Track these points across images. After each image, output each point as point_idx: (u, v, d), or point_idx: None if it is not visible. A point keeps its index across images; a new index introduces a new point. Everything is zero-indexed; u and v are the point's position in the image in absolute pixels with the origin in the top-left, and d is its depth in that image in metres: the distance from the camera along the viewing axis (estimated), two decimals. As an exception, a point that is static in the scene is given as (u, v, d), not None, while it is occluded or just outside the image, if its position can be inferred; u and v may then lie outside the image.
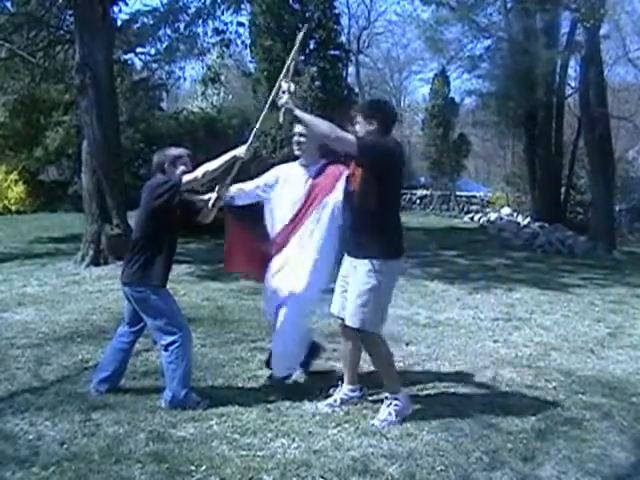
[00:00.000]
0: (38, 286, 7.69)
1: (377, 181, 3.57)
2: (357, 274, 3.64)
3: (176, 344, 3.72)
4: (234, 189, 4.08)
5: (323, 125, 3.53)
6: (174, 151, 3.92)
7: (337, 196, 3.91)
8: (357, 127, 3.72)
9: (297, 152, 4.07)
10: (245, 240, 4.20)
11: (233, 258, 4.26)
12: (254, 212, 4.16)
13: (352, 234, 3.77)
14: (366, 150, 3.52)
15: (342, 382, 3.94)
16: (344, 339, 3.90)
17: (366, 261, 3.59)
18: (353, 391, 3.89)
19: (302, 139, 4.00)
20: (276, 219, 4.09)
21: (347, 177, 3.83)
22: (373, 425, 3.58)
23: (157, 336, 3.81)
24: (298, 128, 4.01)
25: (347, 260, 3.80)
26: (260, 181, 4.19)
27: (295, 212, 4.00)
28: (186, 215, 3.96)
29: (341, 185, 3.92)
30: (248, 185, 4.17)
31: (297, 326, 4.07)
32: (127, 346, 4.02)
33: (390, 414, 3.62)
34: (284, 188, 4.08)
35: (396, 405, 3.65)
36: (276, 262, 4.07)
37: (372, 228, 3.62)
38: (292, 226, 4.02)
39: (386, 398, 3.71)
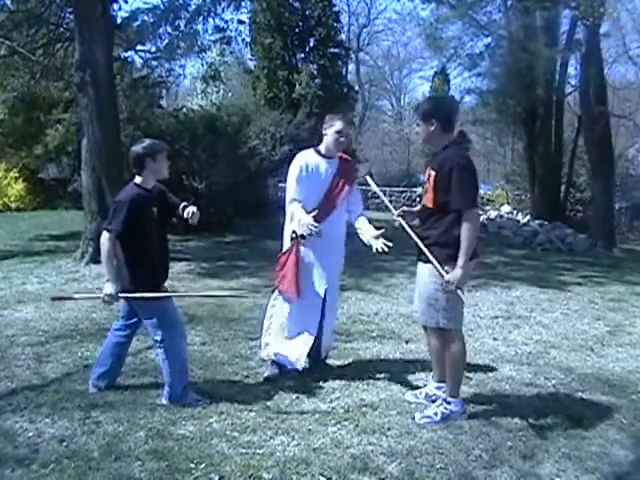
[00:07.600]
0: (38, 284, 7.68)
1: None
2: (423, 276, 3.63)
3: (168, 340, 3.72)
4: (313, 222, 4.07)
5: (472, 243, 3.43)
6: (155, 145, 3.75)
7: (352, 186, 4.37)
8: (418, 129, 3.72)
9: (339, 151, 4.30)
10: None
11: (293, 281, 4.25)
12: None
13: (427, 240, 3.59)
14: (473, 199, 3.48)
15: None
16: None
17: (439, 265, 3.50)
18: (439, 388, 3.82)
19: (345, 140, 4.25)
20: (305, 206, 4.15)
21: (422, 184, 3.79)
22: (414, 417, 3.58)
23: (150, 332, 3.81)
24: (338, 126, 4.18)
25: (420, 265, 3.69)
26: (298, 187, 4.20)
27: (322, 199, 4.19)
28: (167, 215, 3.88)
29: (352, 174, 4.41)
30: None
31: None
32: (123, 340, 3.99)
33: (436, 414, 3.58)
34: (308, 177, 4.20)
35: (445, 408, 3.60)
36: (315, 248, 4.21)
37: (450, 233, 3.49)
38: (322, 211, 4.14)
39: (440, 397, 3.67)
